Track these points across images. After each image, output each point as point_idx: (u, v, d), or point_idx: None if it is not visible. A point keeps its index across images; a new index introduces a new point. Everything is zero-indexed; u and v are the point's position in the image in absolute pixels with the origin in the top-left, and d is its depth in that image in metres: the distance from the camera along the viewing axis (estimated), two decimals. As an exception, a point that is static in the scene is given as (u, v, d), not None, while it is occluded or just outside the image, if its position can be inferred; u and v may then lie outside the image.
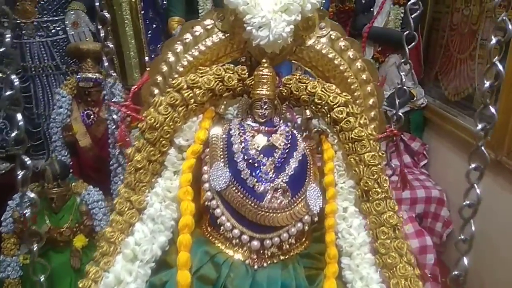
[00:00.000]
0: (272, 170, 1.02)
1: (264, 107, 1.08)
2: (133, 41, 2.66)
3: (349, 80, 1.15)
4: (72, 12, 2.31)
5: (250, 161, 1.02)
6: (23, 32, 2.30)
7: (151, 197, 1.08)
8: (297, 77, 1.13)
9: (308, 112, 1.14)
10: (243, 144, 1.04)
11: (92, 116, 2.16)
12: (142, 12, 2.66)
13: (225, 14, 1.12)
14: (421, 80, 2.65)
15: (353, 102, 1.14)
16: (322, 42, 1.14)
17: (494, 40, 0.93)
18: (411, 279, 1.01)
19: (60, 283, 1.87)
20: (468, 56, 2.17)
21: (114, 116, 1.35)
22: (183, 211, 1.01)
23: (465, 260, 0.99)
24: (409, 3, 1.21)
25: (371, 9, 2.53)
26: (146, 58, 2.71)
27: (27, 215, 1.02)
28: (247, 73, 1.13)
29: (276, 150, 1.04)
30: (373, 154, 1.06)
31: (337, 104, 1.08)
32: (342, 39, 1.16)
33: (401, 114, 1.29)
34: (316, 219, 1.06)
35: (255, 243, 1.00)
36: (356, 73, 1.16)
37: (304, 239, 1.09)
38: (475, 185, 0.98)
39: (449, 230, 2.37)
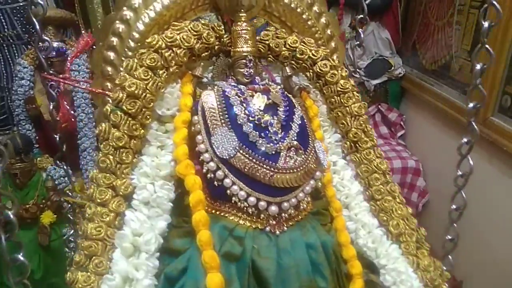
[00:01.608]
0: (280, 129, 0.94)
1: (249, 65, 0.99)
2: (100, 9, 2.53)
3: (316, 36, 1.11)
4: (31, -23, 2.18)
5: (256, 122, 0.93)
6: (-22, -1, 2.18)
7: (138, 178, 0.93)
8: (274, 32, 1.06)
9: (287, 69, 1.07)
10: (244, 105, 0.94)
11: (56, 88, 2.06)
12: (110, -23, 2.53)
13: None
14: (399, 49, 2.61)
15: None
16: None
17: (486, 24, 0.97)
18: (407, 218, 1.06)
19: (28, 261, 1.81)
20: (446, 23, 2.13)
21: (50, 91, 1.21)
22: (191, 186, 0.89)
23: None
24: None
25: (349, -25, 2.45)
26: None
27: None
28: (223, 29, 1.03)
29: (278, 107, 0.97)
30: (360, 105, 1.06)
31: (320, 58, 1.05)
32: None
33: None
34: (325, 174, 1.04)
35: (273, 208, 0.91)
36: (323, 28, 1.12)
37: (311, 198, 1.04)
38: (468, 156, 1.13)
39: (425, 200, 2.40)
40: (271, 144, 0.92)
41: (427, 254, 1.07)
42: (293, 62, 1.07)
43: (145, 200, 0.92)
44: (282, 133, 0.94)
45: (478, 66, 1.00)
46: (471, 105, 1.04)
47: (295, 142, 0.93)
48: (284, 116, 0.95)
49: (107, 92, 0.99)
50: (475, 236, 1.95)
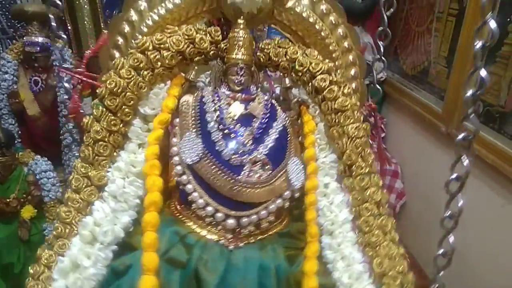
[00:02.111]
0: (251, 141, 0.94)
1: (240, 73, 0.98)
2: (86, 6, 2.54)
3: (330, 48, 1.06)
4: (17, -30, 2.19)
5: (226, 131, 0.94)
6: (-38, -8, 2.17)
7: (112, 172, 0.96)
8: (276, 42, 1.03)
9: (287, 80, 1.05)
10: (217, 113, 0.95)
11: (40, 83, 2.06)
12: (97, -27, 2.54)
13: None
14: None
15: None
16: (302, 4, 1.05)
17: (479, 44, 0.81)
18: (395, 258, 0.94)
19: (8, 255, 1.84)
20: (426, 29, 2.17)
21: (66, 85, 1.23)
22: (149, 187, 0.88)
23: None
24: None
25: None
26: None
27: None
28: (220, 35, 1.02)
29: (254, 119, 0.97)
30: (357, 126, 0.97)
31: (320, 72, 0.98)
32: (323, 1, 1.06)
33: (379, 87, 1.29)
34: (297, 195, 0.99)
35: (231, 221, 0.92)
36: (338, 40, 1.07)
37: (283, 217, 1.03)
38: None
39: (402, 201, 2.45)
40: (237, 155, 0.92)
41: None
42: (292, 74, 1.02)
43: (113, 194, 0.95)
44: (252, 146, 0.93)
45: (470, 92, 0.83)
46: (460, 136, 0.88)
47: (263, 157, 0.93)
48: (258, 128, 0.95)
49: (99, 84, 1.02)
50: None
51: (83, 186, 0.95)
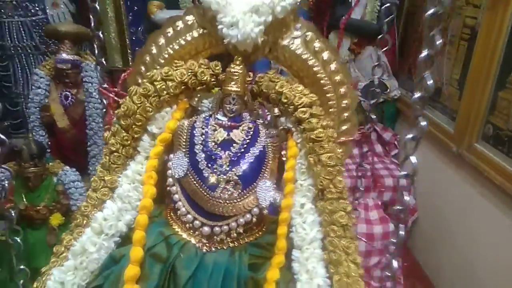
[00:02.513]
0: (228, 163, 1.08)
1: (233, 103, 1.12)
2: (114, 24, 2.68)
3: (322, 82, 1.16)
4: (52, -8, 2.33)
5: (208, 153, 1.09)
6: (1, 11, 2.32)
7: (122, 178, 1.15)
8: (269, 76, 1.15)
9: (276, 110, 1.18)
10: (203, 137, 1.11)
11: (70, 98, 2.19)
12: (124, -6, 2.69)
13: (203, 11, 1.14)
14: (396, 72, 2.70)
15: (326, 103, 1.15)
16: (296, 43, 1.16)
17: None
18: (353, 277, 1.04)
19: (36, 259, 1.92)
20: (439, 52, 2.24)
21: (104, 101, 1.41)
22: (144, 193, 1.10)
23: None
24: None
25: (349, 1, 2.58)
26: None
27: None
28: (220, 68, 1.16)
29: (234, 144, 1.10)
30: (331, 155, 1.08)
31: (302, 105, 1.11)
32: (317, 40, 1.16)
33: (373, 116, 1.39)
34: (265, 211, 1.11)
35: (206, 229, 1.08)
36: (330, 75, 1.16)
37: (256, 229, 1.15)
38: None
39: (414, 217, 2.47)
40: (214, 175, 1.07)
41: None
42: (279, 105, 1.15)
43: (120, 196, 1.12)
44: (228, 167, 1.08)
45: (425, 53, 0.99)
46: (417, 95, 1.02)
47: (236, 178, 1.07)
48: (235, 153, 1.09)
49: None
50: (457, 254, 2.05)
51: (100, 187, 1.15)
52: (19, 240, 1.16)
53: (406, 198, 1.07)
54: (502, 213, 1.70)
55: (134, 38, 2.79)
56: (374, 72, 1.48)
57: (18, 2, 2.30)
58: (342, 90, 1.18)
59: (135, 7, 2.78)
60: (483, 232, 1.86)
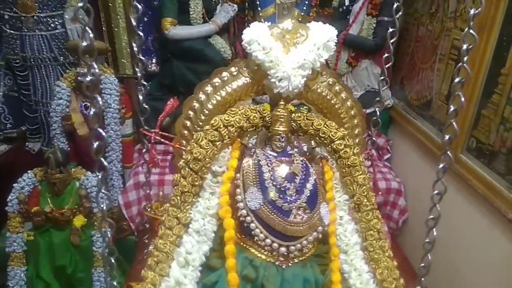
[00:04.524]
0: (295, 193, 1.26)
1: (282, 140, 1.31)
2: (126, 33, 2.82)
3: (341, 115, 1.44)
4: (70, 8, 2.46)
5: (278, 186, 1.26)
6: (23, 25, 2.45)
7: (194, 214, 1.29)
8: (305, 115, 1.35)
9: (313, 142, 1.39)
10: (271, 173, 1.27)
11: (89, 108, 2.34)
12: (135, 5, 2.82)
13: (249, 64, 1.35)
14: (389, 83, 2.89)
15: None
16: (322, 86, 1.42)
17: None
18: (391, 269, 1.29)
19: (62, 258, 2.07)
20: (429, 67, 2.41)
21: (145, 141, 1.58)
22: (226, 226, 1.22)
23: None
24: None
25: (347, 17, 2.76)
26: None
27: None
28: (266, 112, 1.35)
29: (296, 176, 1.28)
30: (364, 177, 1.31)
31: (337, 138, 1.31)
32: (337, 83, 1.43)
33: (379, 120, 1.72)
34: (326, 228, 1.31)
35: (283, 249, 1.25)
36: (347, 110, 1.45)
37: (315, 243, 1.35)
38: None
39: (404, 217, 2.67)
40: (286, 204, 1.25)
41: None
42: (316, 138, 1.36)
43: (196, 230, 1.27)
44: (296, 196, 1.26)
45: (452, 108, 1.16)
46: (447, 137, 1.19)
47: (304, 204, 1.26)
48: (299, 183, 1.28)
49: (182, 148, 1.40)
50: (442, 253, 2.25)
51: (174, 224, 1.27)
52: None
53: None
54: (483, 218, 1.89)
55: (144, 47, 2.93)
56: (380, 84, 1.78)
57: (39, 17, 2.41)
58: (356, 121, 1.47)
59: (145, 18, 2.91)
60: (466, 235, 2.03)
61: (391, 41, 1.63)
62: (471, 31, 1.08)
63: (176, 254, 1.25)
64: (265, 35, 1.28)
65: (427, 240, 1.30)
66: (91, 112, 1.04)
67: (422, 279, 1.28)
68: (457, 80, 1.15)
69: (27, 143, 2.82)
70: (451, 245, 2.15)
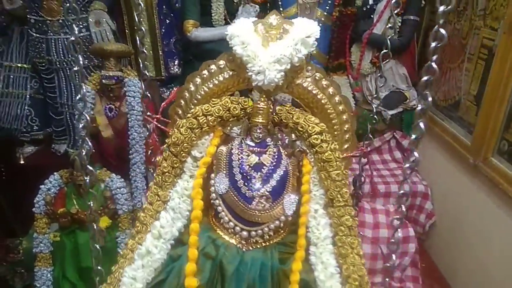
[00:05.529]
0: (260, 182, 1.34)
1: (259, 131, 1.38)
2: (148, 36, 2.84)
3: (328, 111, 1.44)
4: (94, 12, 2.49)
5: (244, 174, 1.34)
6: (49, 29, 2.50)
7: (173, 193, 1.40)
8: (287, 108, 1.41)
9: (293, 135, 1.43)
10: (240, 161, 1.36)
11: (113, 110, 2.37)
12: (157, 8, 2.84)
13: (234, 57, 1.40)
14: (415, 83, 2.82)
15: (331, 127, 1.42)
16: (308, 81, 1.43)
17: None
18: (357, 266, 1.31)
19: (86, 258, 2.12)
20: (457, 67, 2.35)
21: (148, 126, 1.66)
22: (194, 206, 1.34)
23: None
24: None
25: (371, 16, 2.71)
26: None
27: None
28: (248, 104, 1.42)
29: (264, 167, 1.36)
30: (338, 172, 1.34)
31: (314, 132, 1.35)
32: (324, 79, 1.43)
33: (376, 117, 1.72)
34: (290, 218, 1.37)
35: (244, 233, 1.34)
36: (334, 105, 1.44)
37: (282, 231, 1.40)
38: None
39: (432, 221, 2.60)
40: (250, 191, 1.33)
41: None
42: (296, 132, 1.40)
43: (172, 207, 1.39)
44: (260, 185, 1.34)
45: (433, 44, 1.07)
46: (425, 78, 1.12)
47: (267, 193, 1.33)
48: (266, 173, 1.34)
49: (168, 130, 1.51)
50: (471, 257, 2.20)
51: (155, 201, 1.40)
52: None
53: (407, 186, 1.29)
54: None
55: (166, 49, 2.94)
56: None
57: (64, 21, 2.46)
58: (344, 117, 1.46)
59: (167, 20, 2.92)
60: (496, 238, 2.00)
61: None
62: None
63: (152, 227, 1.37)
64: (248, 30, 1.35)
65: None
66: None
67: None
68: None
69: (53, 145, 2.87)
70: (482, 249, 2.10)
